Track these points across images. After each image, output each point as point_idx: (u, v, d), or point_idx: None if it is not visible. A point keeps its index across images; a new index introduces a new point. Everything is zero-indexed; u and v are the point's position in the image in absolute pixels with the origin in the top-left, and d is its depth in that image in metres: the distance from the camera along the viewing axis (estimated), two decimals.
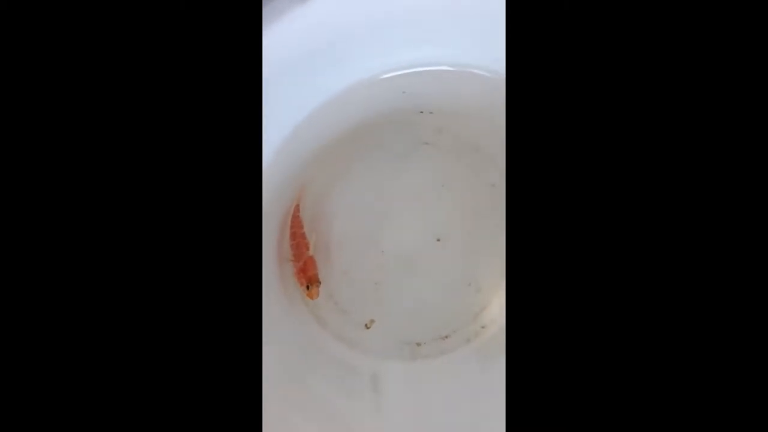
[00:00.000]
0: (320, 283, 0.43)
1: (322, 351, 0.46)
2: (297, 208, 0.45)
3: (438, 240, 0.48)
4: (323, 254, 0.46)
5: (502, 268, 0.48)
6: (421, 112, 0.43)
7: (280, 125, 0.34)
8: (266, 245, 0.39)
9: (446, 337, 0.48)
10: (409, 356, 0.47)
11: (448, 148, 0.47)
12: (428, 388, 0.47)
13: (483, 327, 0.48)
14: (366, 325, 0.47)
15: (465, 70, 0.35)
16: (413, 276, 0.48)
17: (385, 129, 0.45)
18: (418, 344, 0.48)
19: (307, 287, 0.42)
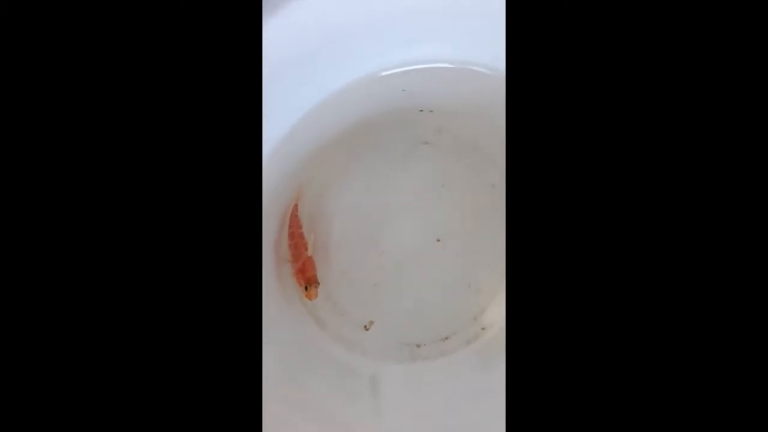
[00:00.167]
0: (319, 283, 0.42)
1: (321, 352, 0.46)
2: (295, 208, 0.44)
3: (438, 240, 0.48)
4: (322, 255, 0.45)
5: (502, 269, 0.47)
6: (421, 110, 0.43)
7: (278, 124, 0.34)
8: (265, 245, 0.39)
9: (446, 338, 0.48)
10: (408, 358, 0.47)
11: (447, 148, 0.47)
12: (428, 390, 0.47)
13: (483, 328, 0.48)
14: (365, 326, 0.47)
15: (465, 67, 0.35)
16: (413, 277, 0.48)
17: (384, 128, 0.45)
18: (418, 346, 0.48)
19: (306, 288, 0.42)
